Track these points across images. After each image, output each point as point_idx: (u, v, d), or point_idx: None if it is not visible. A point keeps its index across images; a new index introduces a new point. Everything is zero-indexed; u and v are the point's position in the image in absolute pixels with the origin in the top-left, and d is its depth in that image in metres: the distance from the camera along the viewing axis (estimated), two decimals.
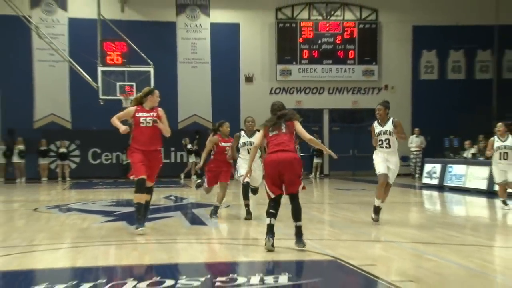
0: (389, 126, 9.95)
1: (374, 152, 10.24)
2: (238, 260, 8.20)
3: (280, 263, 7.48)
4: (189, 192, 20.70)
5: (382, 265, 7.17)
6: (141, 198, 8.95)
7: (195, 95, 28.04)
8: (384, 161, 10.00)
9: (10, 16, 24.49)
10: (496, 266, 7.61)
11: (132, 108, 8.95)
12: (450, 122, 26.08)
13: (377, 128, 10.10)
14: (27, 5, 26.39)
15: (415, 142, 25.56)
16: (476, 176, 19.98)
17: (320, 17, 28.83)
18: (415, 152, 25.53)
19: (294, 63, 28.71)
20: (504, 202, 13.11)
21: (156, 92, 9.31)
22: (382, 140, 10.01)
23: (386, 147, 9.93)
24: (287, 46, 28.48)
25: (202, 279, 6.53)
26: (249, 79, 28.43)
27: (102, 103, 23.93)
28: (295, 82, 28.74)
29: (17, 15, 24.22)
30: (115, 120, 8.84)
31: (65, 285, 6.29)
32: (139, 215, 8.92)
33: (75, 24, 27.01)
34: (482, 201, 17.41)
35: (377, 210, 10.12)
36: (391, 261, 7.55)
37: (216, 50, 28.03)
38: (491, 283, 6.69)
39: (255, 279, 6.50)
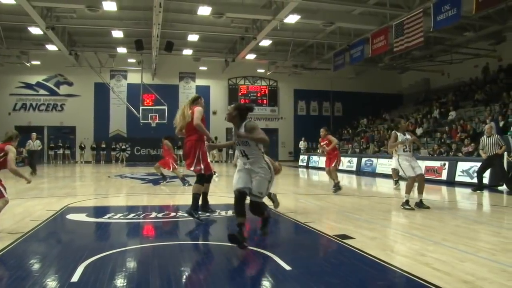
0: (407, 135, 8.53)
1: (400, 157, 8.42)
2: (213, 204, 7.89)
3: (229, 205, 7.25)
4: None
5: (280, 205, 7.76)
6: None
7: None
8: (409, 164, 8.25)
9: (101, 83, 29.61)
10: (335, 205, 8.62)
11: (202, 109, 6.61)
12: (311, 135, 28.26)
13: (400, 137, 8.43)
14: (108, 77, 30.87)
15: (302, 144, 29.60)
16: (323, 161, 22.19)
17: (249, 83, 33.50)
18: (302, 149, 29.21)
19: None
20: (396, 182, 12.24)
21: (201, 97, 7.10)
22: (406, 146, 8.40)
23: (408, 151, 8.41)
24: (233, 97, 32.58)
25: None
26: (214, 113, 32.08)
27: (141, 124, 28.78)
28: None
29: (104, 82, 29.58)
30: (203, 127, 6.65)
31: (121, 214, 7.30)
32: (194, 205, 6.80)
33: (130, 86, 31.31)
34: (323, 173, 17.19)
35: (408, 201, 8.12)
36: (283, 203, 8.10)
37: None
38: (334, 211, 7.68)
39: (222, 212, 7.39)
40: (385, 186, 13.12)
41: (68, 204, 8.64)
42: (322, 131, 11.00)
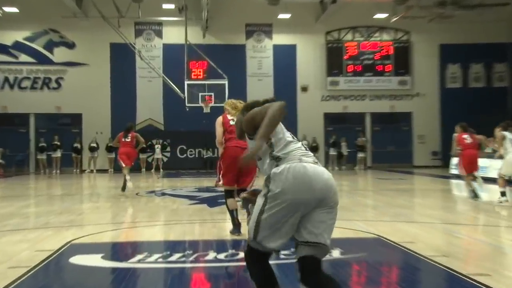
0: None
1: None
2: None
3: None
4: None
5: (419, 242, 8.10)
6: None
7: None
8: None
9: (120, 43, 29.69)
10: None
11: None
12: (471, 123, 25.74)
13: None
14: (133, 35, 31.72)
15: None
16: (495, 167, 20.59)
17: (362, 38, 33.80)
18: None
19: (340, 75, 33.98)
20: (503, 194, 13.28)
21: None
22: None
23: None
24: (335, 62, 33.86)
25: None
26: (304, 89, 33.72)
27: (187, 109, 29.15)
28: (342, 91, 33.80)
29: (125, 43, 29.38)
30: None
31: (160, 255, 7.62)
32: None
33: (167, 48, 32.45)
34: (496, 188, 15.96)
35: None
36: (426, 239, 8.40)
37: (278, 66, 33.29)
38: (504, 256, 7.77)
39: None
40: None
41: (72, 239, 8.72)
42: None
